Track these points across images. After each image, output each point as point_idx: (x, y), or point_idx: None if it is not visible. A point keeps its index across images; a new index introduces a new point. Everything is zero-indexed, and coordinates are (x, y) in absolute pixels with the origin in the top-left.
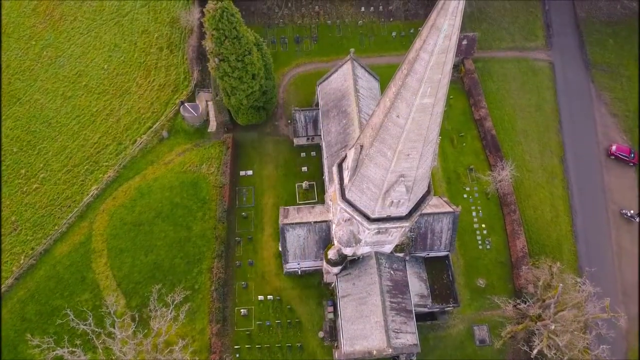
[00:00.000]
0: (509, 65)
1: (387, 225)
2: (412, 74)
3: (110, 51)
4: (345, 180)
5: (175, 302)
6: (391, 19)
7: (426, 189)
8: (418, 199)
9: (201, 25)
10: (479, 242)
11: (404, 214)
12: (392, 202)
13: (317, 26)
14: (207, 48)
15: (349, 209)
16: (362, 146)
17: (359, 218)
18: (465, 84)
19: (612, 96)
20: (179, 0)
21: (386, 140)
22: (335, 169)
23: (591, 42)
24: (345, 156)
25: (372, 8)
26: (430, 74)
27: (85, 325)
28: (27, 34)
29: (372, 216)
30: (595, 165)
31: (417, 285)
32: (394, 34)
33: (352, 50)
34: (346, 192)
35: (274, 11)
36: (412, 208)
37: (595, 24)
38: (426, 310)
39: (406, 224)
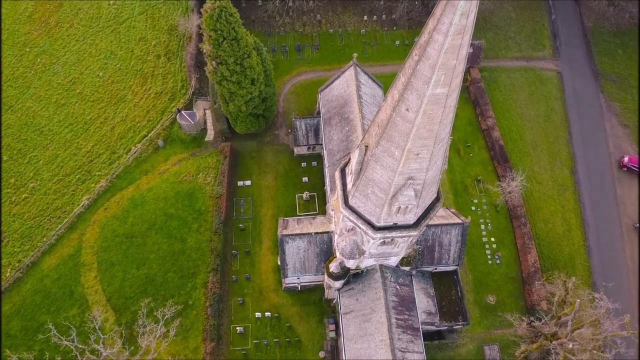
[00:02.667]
0: (515, 74)
1: (394, 234)
2: (424, 60)
3: (106, 58)
4: (349, 186)
5: (165, 317)
6: (394, 28)
7: (435, 195)
8: (427, 206)
9: (200, 32)
10: (488, 256)
11: (412, 222)
12: (399, 208)
13: (318, 34)
14: (205, 51)
15: (353, 217)
16: (367, 147)
17: (363, 227)
18: (471, 93)
19: (622, 107)
20: (178, 8)
21: (394, 138)
22: (337, 174)
23: (599, 52)
24: (349, 160)
25: (374, 17)
26: (444, 58)
27: (68, 341)
28: (22, 41)
29: (378, 224)
30: (607, 177)
31: (424, 302)
32: (397, 42)
33: (355, 55)
34: (349, 199)
35: (274, 19)
36: (421, 216)
37: (603, 34)
38: (434, 328)
39: (414, 233)
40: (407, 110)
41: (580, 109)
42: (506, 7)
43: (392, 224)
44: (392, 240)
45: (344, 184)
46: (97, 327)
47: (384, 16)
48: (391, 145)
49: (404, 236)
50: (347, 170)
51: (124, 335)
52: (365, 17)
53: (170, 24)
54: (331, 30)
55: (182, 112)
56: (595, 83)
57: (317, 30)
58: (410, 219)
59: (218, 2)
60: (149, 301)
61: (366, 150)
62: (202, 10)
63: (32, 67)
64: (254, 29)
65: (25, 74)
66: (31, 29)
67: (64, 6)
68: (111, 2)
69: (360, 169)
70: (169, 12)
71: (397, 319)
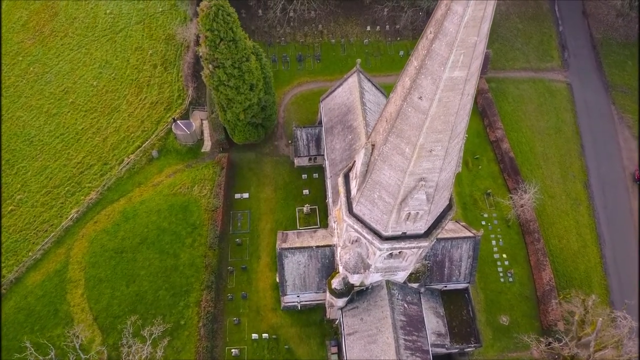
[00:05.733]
0: (524, 85)
1: (402, 244)
2: (441, 37)
3: (100, 68)
4: (353, 191)
5: (153, 337)
6: (398, 38)
7: (447, 202)
8: (438, 214)
9: (198, 39)
10: (500, 274)
11: (422, 232)
12: (409, 214)
13: (320, 45)
14: (201, 53)
15: (357, 226)
16: (373, 145)
17: (369, 236)
18: (478, 104)
19: (635, 119)
20: (176, 17)
21: (404, 133)
22: (341, 180)
23: (609, 64)
24: (353, 164)
25: (378, 27)
26: (464, 34)
27: None
28: (15, 50)
29: (385, 234)
30: (621, 191)
31: (433, 322)
32: (401, 52)
33: (358, 61)
34: (354, 205)
35: (275, 29)
36: (432, 224)
37: (612, 45)
38: (444, 351)
39: (424, 244)
40: (420, 98)
41: (592, 121)
42: (513, 18)
43: (400, 233)
44: (399, 252)
45: (347, 190)
46: (77, 346)
47: (387, 26)
48: (401, 142)
49: (414, 247)
50: (351, 175)
51: (106, 354)
52: (368, 28)
53: (167, 33)
54: (333, 41)
55: (178, 121)
56: (607, 95)
57: (318, 41)
58: (421, 227)
59: (215, 0)
60: (135, 319)
61: (373, 149)
62: (198, 9)
63: (24, 76)
64: (254, 39)
65: (16, 83)
66: (24, 37)
67: (60, 15)
68: (108, 11)
69: (366, 170)
70: (167, 21)
71: (405, 340)
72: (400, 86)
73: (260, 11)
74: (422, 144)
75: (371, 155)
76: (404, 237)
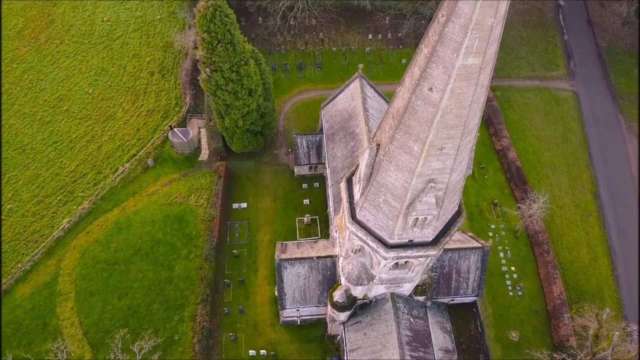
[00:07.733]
0: (529, 94)
1: (409, 253)
2: (454, 19)
3: (96, 75)
4: (356, 196)
5: (143, 351)
6: (400, 46)
7: (456, 208)
8: (447, 220)
9: (196, 47)
10: (509, 287)
11: (430, 239)
12: (417, 220)
13: (321, 53)
14: (198, 57)
15: (361, 233)
16: (378, 145)
17: (373, 244)
18: (484, 113)
19: None
20: (175, 25)
21: (413, 129)
22: (343, 185)
23: (615, 72)
24: (356, 167)
25: (380, 35)
26: (479, 15)
27: None
28: (9, 57)
29: (390, 241)
30: (632, 201)
31: (440, 337)
32: (403, 61)
33: (360, 66)
34: (357, 211)
35: (275, 37)
36: (440, 232)
37: (618, 54)
38: None
39: (432, 252)
40: (430, 89)
41: (600, 130)
42: (516, 26)
43: (407, 241)
44: (406, 262)
45: (350, 195)
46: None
47: (389, 34)
48: (409, 139)
49: (421, 256)
50: (355, 179)
51: None
52: (370, 36)
53: (165, 40)
54: (334, 49)
55: (175, 129)
56: (614, 104)
57: (319, 49)
58: (429, 234)
59: (212, 1)
60: (124, 333)
61: (378, 149)
62: (195, 10)
63: (18, 84)
64: (254, 46)
65: (10, 90)
66: (20, 45)
67: (56, 22)
68: (105, 19)
69: (371, 173)
70: (165, 29)
71: (411, 356)
72: (408, 78)
73: (260, 19)
74: (432, 141)
75: (376, 156)
76: (410, 245)
